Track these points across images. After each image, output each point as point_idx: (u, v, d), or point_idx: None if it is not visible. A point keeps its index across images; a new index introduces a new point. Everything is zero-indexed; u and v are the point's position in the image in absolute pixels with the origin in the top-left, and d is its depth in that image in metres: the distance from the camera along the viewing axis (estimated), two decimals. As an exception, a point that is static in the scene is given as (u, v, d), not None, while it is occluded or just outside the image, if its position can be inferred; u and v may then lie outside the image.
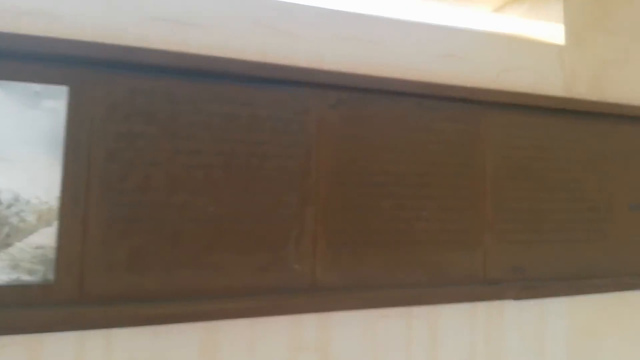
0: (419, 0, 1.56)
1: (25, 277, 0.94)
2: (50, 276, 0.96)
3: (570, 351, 1.46)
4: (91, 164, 1.00)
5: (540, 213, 1.43)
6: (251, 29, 1.17)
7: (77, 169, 0.99)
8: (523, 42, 1.48)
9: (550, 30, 1.54)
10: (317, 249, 1.18)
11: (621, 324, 1.54)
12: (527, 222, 1.42)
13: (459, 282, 1.32)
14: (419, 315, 1.30)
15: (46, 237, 0.96)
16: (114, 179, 1.02)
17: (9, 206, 0.93)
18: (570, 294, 1.43)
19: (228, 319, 1.09)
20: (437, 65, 1.36)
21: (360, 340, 1.22)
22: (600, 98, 1.55)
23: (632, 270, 1.53)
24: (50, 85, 0.98)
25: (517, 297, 1.34)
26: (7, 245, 0.93)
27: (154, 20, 1.10)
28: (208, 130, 1.10)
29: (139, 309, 1.01)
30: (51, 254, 0.96)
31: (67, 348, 0.98)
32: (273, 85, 1.16)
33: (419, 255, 1.28)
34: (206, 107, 1.10)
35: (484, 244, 1.36)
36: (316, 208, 1.18)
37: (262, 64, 1.14)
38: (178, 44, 1.10)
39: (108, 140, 1.02)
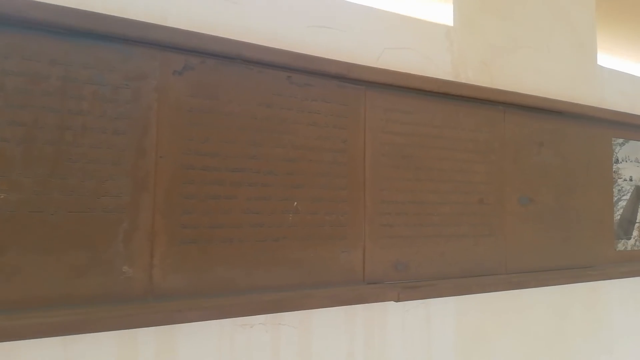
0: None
1: None
2: None
3: (459, 354, 1.34)
4: None
5: (426, 205, 1.30)
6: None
7: None
8: (409, 20, 1.35)
9: (439, 10, 1.42)
10: (155, 247, 0.95)
11: (511, 324, 1.45)
12: (411, 215, 1.28)
13: (335, 283, 1.15)
14: (288, 322, 1.11)
15: None
16: None
17: None
18: (458, 294, 1.30)
19: (31, 338, 0.82)
20: (311, 36, 1.19)
21: (214, 356, 1.00)
22: (489, 84, 1.46)
23: (522, 267, 1.45)
24: None
25: (400, 299, 1.18)
26: None
27: None
28: (1, 92, 0.83)
29: None
30: None
31: None
32: (97, 40, 0.92)
33: (286, 252, 1.09)
34: (-4, 62, 0.84)
35: (362, 240, 1.19)
36: (154, 196, 0.95)
37: (83, 12, 0.89)
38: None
39: None
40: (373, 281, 1.22)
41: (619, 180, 1.75)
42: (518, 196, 1.49)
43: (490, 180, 1.43)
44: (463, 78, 1.43)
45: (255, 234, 1.08)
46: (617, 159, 1.75)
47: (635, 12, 1.86)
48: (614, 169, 1.74)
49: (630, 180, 1.79)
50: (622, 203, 1.74)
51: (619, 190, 1.74)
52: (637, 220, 1.79)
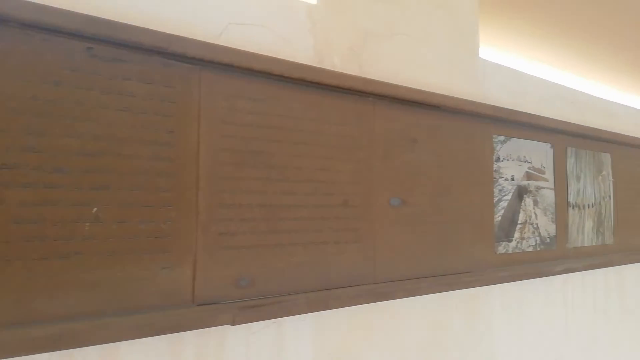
0: None
1: None
2: None
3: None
4: None
5: (278, 209, 1.11)
6: None
7: None
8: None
9: (299, -15, 1.23)
10: None
11: (380, 339, 1.30)
12: (259, 222, 1.08)
13: (151, 308, 0.92)
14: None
15: None
16: None
17: None
18: (311, 310, 1.12)
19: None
20: (131, 1, 0.95)
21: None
22: (358, 73, 1.29)
23: (393, 275, 1.31)
24: None
25: (236, 322, 0.97)
26: None
27: None
28: None
29: None
30: None
31: None
32: None
33: (78, 273, 0.85)
34: None
35: (193, 253, 0.97)
36: None
37: None
38: None
39: None
40: (206, 302, 1.00)
41: (500, 179, 1.67)
42: (389, 197, 1.34)
43: (357, 180, 1.27)
44: (328, 64, 1.26)
45: (32, 250, 0.82)
46: (499, 157, 1.67)
47: (519, 4, 1.79)
48: (494, 168, 1.65)
49: (512, 179, 1.71)
50: (503, 204, 1.66)
51: (500, 190, 1.66)
52: (519, 222, 1.72)
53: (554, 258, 1.88)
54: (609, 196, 2.20)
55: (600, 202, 2.14)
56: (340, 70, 1.28)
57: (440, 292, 1.41)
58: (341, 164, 1.25)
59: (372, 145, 1.33)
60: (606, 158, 2.21)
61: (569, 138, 2.01)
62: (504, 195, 1.70)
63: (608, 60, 2.15)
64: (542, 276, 1.75)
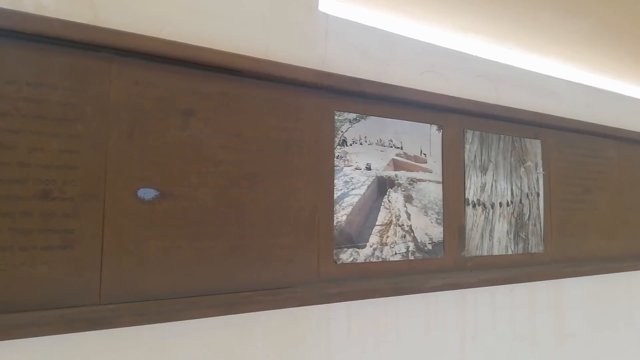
0: None
1: None
2: None
3: None
4: None
5: None
6: None
7: None
8: None
9: None
10: None
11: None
12: None
13: None
14: None
15: None
16: None
17: None
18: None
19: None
20: None
21: None
22: (91, 21, 0.95)
23: (131, 293, 0.97)
24: None
25: None
26: None
27: None
28: None
29: None
30: None
31: None
32: None
33: None
34: None
35: None
36: None
37: None
38: None
39: None
40: None
41: (345, 168, 1.27)
42: (135, 188, 0.98)
43: (71, 162, 0.92)
44: (30, 6, 0.91)
45: None
46: (345, 140, 1.28)
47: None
48: (337, 154, 1.26)
49: (368, 169, 1.32)
50: (352, 199, 1.27)
51: (345, 182, 1.27)
52: (378, 223, 1.32)
53: (437, 269, 1.46)
54: (537, 193, 1.75)
55: (521, 200, 1.70)
56: (51, 16, 0.93)
57: (213, 316, 1.03)
58: (40, 139, 0.90)
59: (104, 116, 0.98)
60: (534, 145, 1.77)
61: (469, 119, 1.59)
62: (353, 189, 1.30)
63: (539, 21, 1.70)
64: (405, 293, 1.33)
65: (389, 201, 1.41)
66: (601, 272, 1.93)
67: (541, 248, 1.78)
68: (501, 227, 1.66)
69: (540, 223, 1.78)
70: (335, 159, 1.31)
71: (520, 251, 1.71)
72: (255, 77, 1.19)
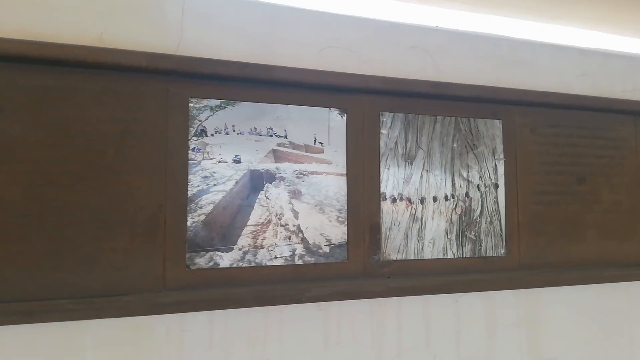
0: None
1: None
2: None
3: None
4: None
5: None
6: None
7: None
8: None
9: None
10: None
11: None
12: None
13: None
14: None
15: None
16: None
17: None
18: None
19: None
20: None
21: None
22: None
23: None
24: None
25: None
26: None
27: None
28: None
29: None
30: None
31: None
32: None
33: None
34: None
35: None
36: None
37: None
38: None
39: None
40: None
41: (204, 161, 1.15)
42: None
43: None
44: None
45: None
46: (204, 130, 1.15)
47: None
48: (193, 146, 1.13)
49: (236, 161, 1.18)
50: (214, 196, 1.14)
51: (205, 177, 1.14)
52: (252, 223, 1.16)
53: (337, 276, 1.27)
54: (494, 184, 1.44)
55: (468, 192, 1.41)
56: None
57: (8, 324, 0.96)
58: None
59: None
60: (492, 127, 1.46)
61: (388, 99, 1.35)
62: (214, 185, 1.16)
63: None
64: (277, 303, 1.16)
65: (267, 198, 1.22)
66: (595, 281, 1.53)
67: (502, 250, 1.45)
68: (436, 226, 1.38)
69: (499, 220, 1.45)
70: (190, 151, 1.16)
71: (468, 254, 1.41)
72: (85, 67, 1.09)
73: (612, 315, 1.59)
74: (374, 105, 1.36)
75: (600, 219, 1.60)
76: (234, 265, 1.19)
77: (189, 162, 1.17)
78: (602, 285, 1.56)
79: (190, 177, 1.17)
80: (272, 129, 1.26)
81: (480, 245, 1.44)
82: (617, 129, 1.66)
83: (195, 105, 1.19)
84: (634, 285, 1.62)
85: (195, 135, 1.18)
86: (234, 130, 1.22)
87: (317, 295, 1.20)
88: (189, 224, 1.15)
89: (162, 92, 1.16)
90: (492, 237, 1.45)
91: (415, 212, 1.38)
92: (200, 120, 1.19)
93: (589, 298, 1.56)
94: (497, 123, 1.50)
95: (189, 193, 1.16)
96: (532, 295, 1.49)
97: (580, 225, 1.57)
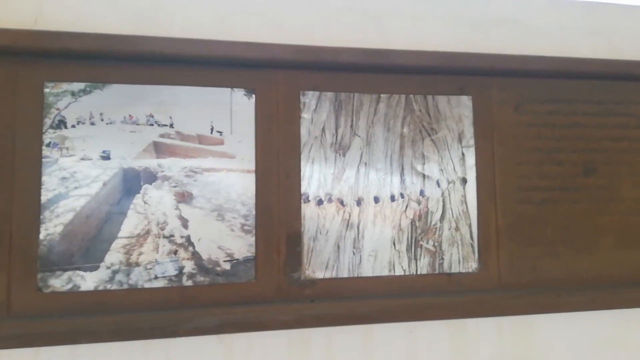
0: None
1: None
2: None
3: None
4: None
5: None
6: None
7: None
8: None
9: None
10: None
11: None
12: None
13: None
14: None
15: None
16: None
17: None
18: None
19: None
20: None
21: None
22: None
23: None
24: None
25: None
26: None
27: None
28: None
29: None
30: None
31: None
32: None
33: None
34: None
35: None
36: None
37: None
38: None
39: None
40: None
41: (63, 159, 0.93)
42: None
43: None
44: None
45: None
46: (63, 121, 0.93)
47: None
48: (48, 141, 0.92)
49: (105, 158, 0.96)
50: (75, 202, 0.92)
51: (63, 178, 0.92)
52: (124, 235, 0.93)
53: (240, 300, 1.01)
54: (461, 178, 1.11)
55: (424, 191, 1.08)
56: None
57: None
58: None
59: None
60: (458, 105, 1.13)
61: (313, 75, 1.07)
62: (75, 188, 0.94)
63: None
64: (138, 338, 0.91)
65: (146, 202, 0.97)
66: (611, 305, 1.14)
67: (473, 265, 1.10)
68: (379, 234, 1.06)
69: (469, 225, 1.10)
70: (44, 147, 0.94)
71: (425, 270, 1.08)
72: None
73: (634, 352, 1.17)
74: (293, 82, 1.07)
75: (618, 222, 1.20)
76: (100, 288, 0.94)
77: (43, 160, 0.94)
78: (620, 312, 1.15)
79: (44, 178, 0.94)
80: (153, 117, 1.00)
81: (442, 259, 1.10)
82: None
83: (52, 91, 0.96)
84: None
85: (51, 127, 0.95)
86: (102, 120, 0.98)
87: (202, 326, 0.93)
88: (41, 237, 0.92)
89: (9, 76, 0.94)
90: (460, 248, 1.10)
91: (350, 216, 1.06)
92: (58, 109, 0.96)
93: (600, 328, 1.16)
94: (466, 100, 1.15)
95: (43, 199, 0.93)
96: (518, 325, 1.13)
97: (590, 231, 1.18)
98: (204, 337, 0.99)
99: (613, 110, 1.24)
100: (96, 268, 0.96)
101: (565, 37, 1.26)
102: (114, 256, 0.97)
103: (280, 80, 1.07)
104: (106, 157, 0.98)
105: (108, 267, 0.96)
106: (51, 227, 0.94)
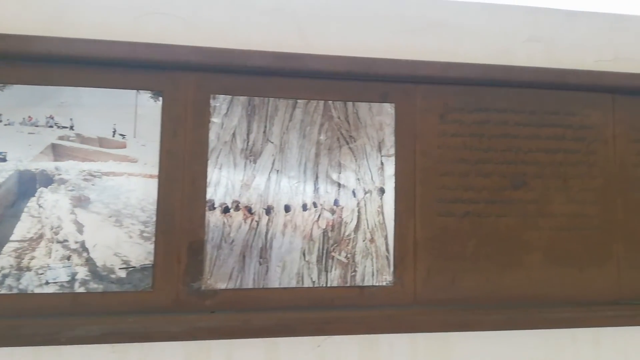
0: None
1: None
2: None
3: None
4: None
5: None
6: None
7: None
8: None
9: None
10: None
11: None
12: None
13: None
14: None
15: None
16: None
17: None
18: None
19: None
20: None
21: None
22: None
23: None
24: None
25: None
26: None
27: None
28: None
29: None
30: None
31: None
32: None
33: None
34: None
35: None
36: None
37: None
38: None
39: None
40: None
41: None
42: None
43: None
44: None
45: None
46: None
47: None
48: None
49: (1, 160, 0.92)
50: None
51: None
52: (16, 239, 0.91)
53: (136, 309, 0.97)
54: (379, 188, 1.07)
55: (339, 200, 1.05)
56: None
57: None
58: None
59: None
60: (380, 113, 1.09)
61: (225, 78, 1.04)
62: (-36, 189, 0.91)
63: None
64: (22, 344, 0.88)
65: (40, 206, 0.95)
66: (534, 325, 1.09)
67: (387, 278, 1.06)
68: (288, 244, 1.03)
69: (385, 237, 1.06)
70: None
71: (336, 282, 1.04)
72: None
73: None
74: (203, 85, 1.04)
75: (548, 238, 1.15)
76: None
77: None
78: (543, 332, 1.10)
79: None
80: (53, 118, 0.97)
81: (355, 271, 1.06)
82: (584, 113, 1.20)
83: (-55, 90, 0.93)
84: (601, 332, 1.13)
85: (-54, 127, 0.93)
86: (1, 121, 0.96)
87: (85, 335, 0.90)
88: None
89: None
90: (374, 260, 1.07)
91: (258, 225, 1.03)
92: (-49, 109, 0.93)
93: (517, 349, 1.11)
94: (389, 107, 1.10)
95: None
96: (433, 343, 1.08)
97: (515, 246, 1.13)
98: (96, 346, 0.96)
99: (548, 121, 1.19)
100: (-18, 273, 0.93)
101: (502, 43, 1.21)
102: (4, 260, 0.94)
103: (190, 83, 1.04)
104: (2, 158, 0.96)
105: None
106: (-61, 229, 0.92)
